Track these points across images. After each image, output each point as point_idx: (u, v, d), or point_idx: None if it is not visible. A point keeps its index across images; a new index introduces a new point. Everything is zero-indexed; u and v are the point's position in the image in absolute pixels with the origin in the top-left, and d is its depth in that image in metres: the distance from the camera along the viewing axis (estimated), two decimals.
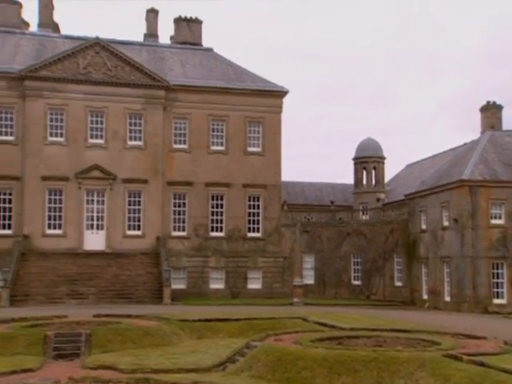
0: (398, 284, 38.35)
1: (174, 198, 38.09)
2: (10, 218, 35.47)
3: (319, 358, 12.37)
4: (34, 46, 39.46)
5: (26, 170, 35.64)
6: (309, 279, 39.68)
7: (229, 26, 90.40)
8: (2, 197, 35.51)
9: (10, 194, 35.62)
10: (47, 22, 41.46)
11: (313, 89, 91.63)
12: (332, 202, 44.50)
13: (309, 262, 40.54)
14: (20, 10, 41.04)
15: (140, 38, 43.86)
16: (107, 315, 21.25)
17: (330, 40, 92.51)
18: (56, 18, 42.85)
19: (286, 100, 40.61)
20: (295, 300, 33.46)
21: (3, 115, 35.93)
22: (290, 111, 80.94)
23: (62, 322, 19.04)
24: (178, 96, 38.53)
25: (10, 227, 35.38)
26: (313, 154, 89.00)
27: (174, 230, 37.93)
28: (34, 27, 41.83)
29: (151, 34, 43.71)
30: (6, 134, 35.90)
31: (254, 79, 40.92)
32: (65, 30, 43.41)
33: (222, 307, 29.67)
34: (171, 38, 44.49)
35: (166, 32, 61.27)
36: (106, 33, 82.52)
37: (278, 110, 40.17)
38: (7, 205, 35.53)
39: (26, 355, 15.34)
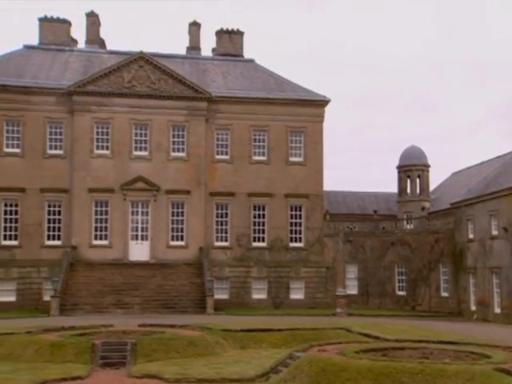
0: (445, 295, 37.47)
1: (217, 209, 38.43)
2: (59, 229, 36.53)
3: (364, 369, 12.20)
4: (81, 62, 40.71)
5: (74, 183, 36.66)
6: (352, 289, 39.21)
7: (270, 36, 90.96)
8: (52, 209, 36.63)
9: (59, 206, 36.69)
10: (94, 38, 42.78)
11: (355, 97, 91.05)
12: (375, 211, 43.97)
13: (352, 271, 40.10)
14: (69, 28, 42.46)
15: (183, 51, 44.68)
16: (152, 325, 21.56)
17: (371, 48, 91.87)
18: (102, 34, 44.16)
19: (327, 109, 40.56)
20: (338, 310, 33.14)
21: (53, 130, 37.13)
22: (332, 120, 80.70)
23: (109, 331, 19.41)
24: (220, 107, 38.98)
25: (59, 238, 36.42)
26: (355, 163, 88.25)
27: (217, 240, 38.23)
28: (81, 44, 43.21)
29: (193, 46, 44.47)
30: (56, 148, 37.07)
31: (296, 89, 41.00)
32: (110, 46, 44.63)
33: (265, 317, 29.64)
34: (213, 50, 45.12)
35: (207, 44, 62.20)
36: (149, 47, 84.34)
37: (320, 119, 40.11)
38: (57, 216, 36.62)
39: (75, 363, 15.71)
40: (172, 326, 21.11)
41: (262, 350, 18.80)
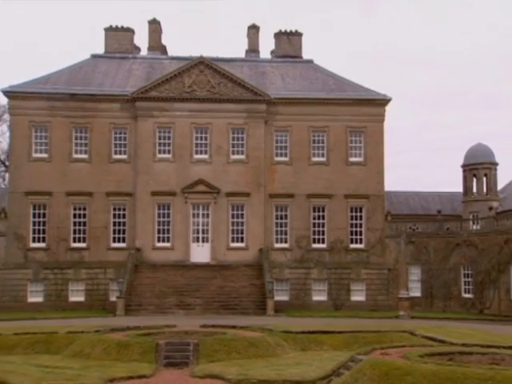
0: None
1: (276, 211, 38.53)
2: (124, 231, 37.68)
3: (429, 374, 11.89)
4: (144, 68, 41.86)
5: (138, 186, 37.72)
6: (415, 292, 38.27)
7: (329, 37, 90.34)
8: (117, 212, 37.84)
9: (124, 210, 37.85)
10: (156, 45, 43.91)
11: (418, 96, 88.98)
12: (439, 212, 42.77)
13: (415, 273, 39.16)
14: (133, 36, 43.75)
15: (242, 54, 45.11)
16: (213, 325, 21.87)
17: (432, 46, 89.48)
18: (164, 40, 45.21)
19: (388, 108, 39.88)
20: (401, 313, 32.47)
21: (117, 135, 38.37)
22: (395, 120, 79.10)
23: (172, 332, 19.85)
24: (279, 109, 39.07)
25: (124, 240, 37.57)
26: (418, 163, 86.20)
27: (277, 241, 38.33)
28: (144, 51, 44.43)
29: (252, 49, 44.81)
30: (120, 153, 38.29)
31: (355, 88, 40.55)
32: (172, 52, 45.68)
33: (325, 319, 29.46)
34: (272, 52, 45.29)
35: (266, 47, 62.51)
36: (209, 51, 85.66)
37: (381, 118, 39.49)
38: (121, 219, 37.80)
39: (141, 362, 16.17)
40: (233, 327, 21.34)
41: (323, 352, 18.70)
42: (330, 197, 38.65)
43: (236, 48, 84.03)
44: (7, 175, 51.49)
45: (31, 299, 36.36)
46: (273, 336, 19.50)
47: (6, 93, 38.04)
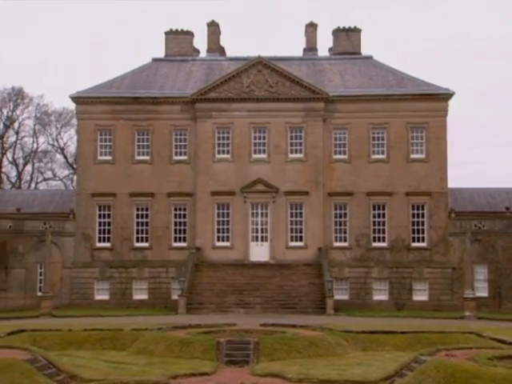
0: None
1: (335, 209, 38.23)
2: (184, 231, 38.41)
3: (499, 377, 11.47)
4: (203, 70, 42.52)
5: (198, 187, 38.35)
6: (481, 292, 36.94)
7: (388, 32, 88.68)
8: (178, 212, 38.62)
9: (185, 210, 38.58)
10: (215, 46, 44.49)
11: (483, 90, 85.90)
12: (507, 209, 41.13)
13: (481, 273, 37.83)
14: (192, 38, 44.49)
15: (299, 53, 44.99)
16: (273, 324, 21.98)
17: (498, 36, 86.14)
18: (222, 41, 45.75)
19: (452, 103, 38.79)
20: (467, 314, 31.46)
21: (178, 137, 39.15)
22: (458, 114, 76.69)
23: (232, 330, 20.10)
24: (338, 107, 38.74)
25: (184, 240, 38.30)
26: (483, 158, 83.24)
27: (336, 240, 38.02)
28: (203, 53, 45.09)
29: (310, 47, 44.63)
30: (181, 154, 39.05)
31: (416, 83, 39.63)
32: (230, 53, 46.12)
33: (387, 319, 28.97)
34: (330, 49, 44.94)
35: (324, 44, 62.05)
36: (267, 51, 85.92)
37: (443, 113, 38.43)
38: (182, 219, 38.56)
39: (202, 359, 16.48)
40: (293, 326, 21.37)
41: (385, 352, 18.44)
42: (390, 194, 37.96)
43: (294, 47, 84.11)
44: (75, 177, 53.61)
45: (98, 297, 37.70)
46: (333, 335, 19.39)
47: (74, 98, 39.55)
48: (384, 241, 37.87)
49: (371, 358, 17.12)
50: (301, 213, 37.95)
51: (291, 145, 38.55)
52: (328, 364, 16.01)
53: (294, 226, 37.90)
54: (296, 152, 38.54)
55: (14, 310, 35.49)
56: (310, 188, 38.00)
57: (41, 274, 37.67)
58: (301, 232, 37.79)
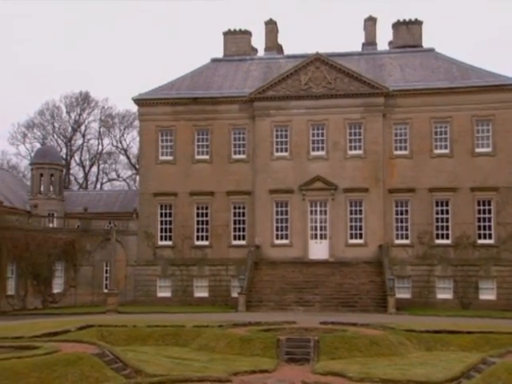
0: None
1: (396, 206, 37.48)
2: (243, 229, 38.71)
3: None
4: (261, 69, 42.68)
5: (256, 185, 38.54)
6: None
7: (450, 24, 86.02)
8: (237, 210, 38.96)
9: (244, 208, 38.87)
10: (272, 45, 44.56)
11: None
12: None
13: None
14: (250, 38, 44.77)
15: (358, 48, 44.41)
16: (333, 323, 21.79)
17: None
18: (280, 39, 45.74)
19: None
20: None
21: (237, 136, 39.49)
22: None
23: (292, 328, 20.08)
24: (398, 101, 37.96)
25: (244, 238, 38.59)
26: None
27: (397, 238, 37.28)
28: (261, 52, 45.28)
29: (369, 42, 43.94)
30: (240, 153, 39.38)
31: (482, 75, 38.25)
32: (288, 50, 46.12)
33: (452, 318, 28.12)
34: (389, 43, 44.09)
35: (384, 38, 60.97)
36: (325, 47, 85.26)
37: (511, 105, 36.93)
38: (241, 217, 38.87)
39: (262, 357, 16.56)
40: (353, 325, 21.12)
41: (450, 352, 17.94)
42: (454, 190, 36.85)
43: (352, 42, 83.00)
44: (137, 178, 55.12)
45: (160, 294, 38.59)
46: (395, 334, 19.03)
47: (136, 101, 40.62)
48: (448, 238, 36.80)
49: (435, 359, 16.69)
50: (360, 210, 37.45)
51: (350, 141, 38.10)
52: (390, 363, 15.72)
53: (353, 224, 37.45)
54: (355, 148, 38.06)
55: (82, 306, 36.95)
56: (370, 185, 37.42)
57: (106, 272, 38.99)
58: (361, 229, 37.30)
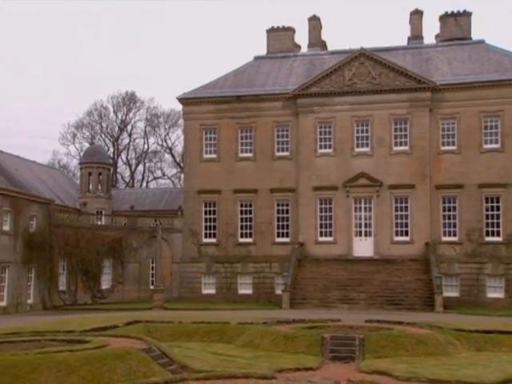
0: None
1: (443, 202, 36.66)
2: (287, 226, 38.66)
3: None
4: (304, 65, 42.48)
5: (300, 182, 38.39)
6: None
7: (502, 13, 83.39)
8: (280, 207, 38.93)
9: (287, 205, 38.81)
10: (316, 41, 44.25)
11: None
12: None
13: None
14: (293, 35, 44.63)
15: (404, 42, 43.61)
16: (378, 321, 21.47)
17: None
18: (323, 35, 45.40)
19: None
20: None
21: (280, 133, 39.44)
22: None
23: (336, 326, 19.88)
24: (446, 95, 37.09)
25: (287, 235, 38.53)
26: None
27: (444, 235, 36.46)
28: (304, 48, 45.08)
29: (415, 35, 43.05)
30: (283, 150, 39.32)
31: None
32: (331, 46, 45.72)
33: (503, 318, 27.27)
34: (436, 36, 43.12)
35: (430, 32, 59.57)
36: (369, 42, 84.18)
37: None
38: (285, 215, 38.81)
39: (307, 354, 16.45)
40: (399, 323, 20.76)
41: (502, 353, 17.36)
42: (505, 186, 35.75)
43: (398, 36, 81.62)
44: (182, 176, 55.84)
45: (205, 291, 38.98)
46: (443, 334, 18.59)
47: (181, 100, 41.12)
48: (499, 235, 35.74)
49: (486, 359, 16.20)
50: (406, 207, 36.80)
51: (395, 137, 37.48)
52: (438, 363, 15.37)
53: (399, 221, 36.84)
54: (401, 144, 37.42)
55: (129, 302, 37.71)
56: (416, 181, 36.71)
57: (152, 269, 39.65)
58: (406, 226, 36.65)
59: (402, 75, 37.47)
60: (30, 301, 34.63)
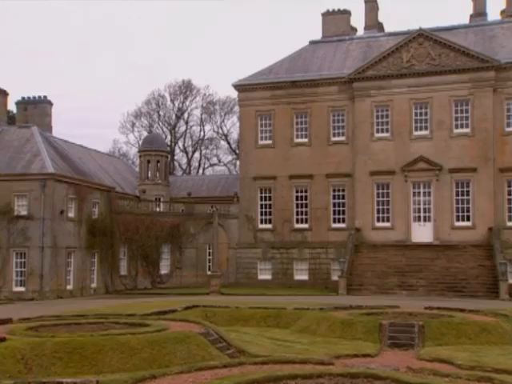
0: None
1: (509, 186, 35.27)
2: (343, 212, 38.24)
3: None
4: (361, 48, 41.65)
5: (356, 167, 37.83)
6: None
7: None
8: (336, 193, 38.54)
9: (343, 190, 38.37)
10: (372, 23, 43.26)
11: None
12: None
13: None
14: (349, 17, 43.81)
15: (465, 20, 42.01)
16: (439, 308, 20.97)
17: None
18: (380, 17, 44.34)
19: None
20: None
21: (336, 117, 38.93)
22: None
23: (395, 312, 19.55)
24: (511, 74, 35.48)
25: (343, 221, 38.13)
26: None
27: (509, 220, 35.10)
28: (360, 31, 44.21)
29: (478, 13, 41.33)
30: (339, 135, 38.82)
31: None
32: (388, 28, 44.62)
33: None
34: (502, 12, 41.26)
35: (495, 8, 56.96)
36: (428, 22, 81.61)
37: None
38: (341, 200, 38.41)
39: (364, 341, 16.28)
40: (461, 310, 20.20)
41: None
42: None
43: (459, 14, 78.54)
44: (238, 162, 56.15)
45: (261, 276, 39.20)
46: (509, 322, 17.95)
47: (236, 86, 41.22)
48: None
49: None
50: (468, 191, 35.62)
51: (456, 119, 36.26)
52: (503, 353, 14.85)
53: (460, 205, 35.73)
54: (462, 126, 36.17)
55: (187, 287, 38.42)
56: (478, 164, 35.45)
57: (209, 254, 40.19)
58: (468, 211, 35.51)
59: (464, 55, 36.11)
60: (93, 285, 35.88)
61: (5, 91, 38.59)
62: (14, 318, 16.69)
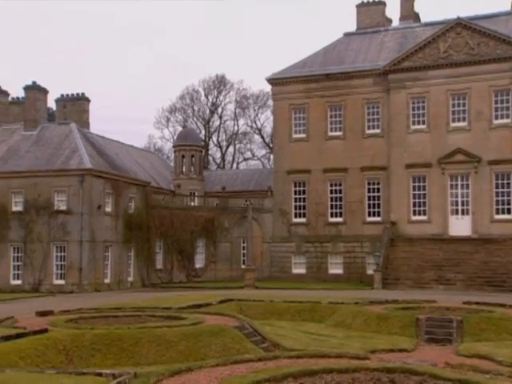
0: None
1: None
2: (378, 205, 37.81)
3: None
4: (396, 40, 40.98)
5: (392, 160, 37.30)
6: None
7: None
8: (371, 186, 38.11)
9: (378, 184, 37.91)
10: (408, 14, 42.50)
11: None
12: None
13: None
14: (384, 8, 43.16)
15: (507, 7, 40.79)
16: (477, 303, 20.51)
17: None
18: (416, 7, 43.49)
19: None
20: None
21: (370, 110, 38.46)
22: None
23: (432, 307, 19.22)
24: None
25: (378, 214, 37.70)
26: None
27: None
28: (395, 22, 43.51)
29: None
30: (374, 128, 38.35)
31: None
32: (425, 18, 43.80)
33: None
34: None
35: None
36: (466, 10, 79.60)
37: None
38: (376, 194, 37.97)
39: (400, 336, 16.07)
40: (502, 306, 19.69)
41: None
42: None
43: (500, 1, 76.31)
44: (271, 156, 56.07)
45: (295, 270, 39.13)
46: None
47: (270, 80, 41.12)
48: None
49: None
50: (508, 183, 34.72)
51: (496, 110, 35.34)
52: None
53: (500, 198, 34.86)
54: (502, 117, 35.25)
55: (222, 281, 38.67)
56: None
57: (243, 248, 40.33)
58: (508, 204, 34.62)
59: (504, 43, 35.14)
60: (130, 278, 36.47)
61: (45, 89, 39.43)
62: (54, 310, 17.10)
